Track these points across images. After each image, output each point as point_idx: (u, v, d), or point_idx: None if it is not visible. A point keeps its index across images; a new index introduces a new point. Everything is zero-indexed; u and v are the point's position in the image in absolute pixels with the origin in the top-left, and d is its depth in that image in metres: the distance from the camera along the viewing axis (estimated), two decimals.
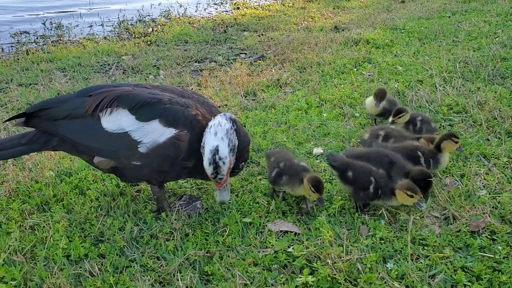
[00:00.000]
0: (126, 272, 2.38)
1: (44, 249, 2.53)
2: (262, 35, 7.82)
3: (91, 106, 2.60)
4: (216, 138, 2.48)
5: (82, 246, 2.54)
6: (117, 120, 2.56)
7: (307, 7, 10.25)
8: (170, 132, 2.55)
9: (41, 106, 2.73)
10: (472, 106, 4.02)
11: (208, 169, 2.49)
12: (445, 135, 3.13)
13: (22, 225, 2.76)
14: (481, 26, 6.61)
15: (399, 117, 3.50)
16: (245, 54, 6.78)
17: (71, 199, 2.99)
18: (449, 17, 7.62)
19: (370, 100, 3.87)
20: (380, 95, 3.79)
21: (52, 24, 8.48)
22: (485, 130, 3.67)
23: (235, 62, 6.16)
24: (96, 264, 2.43)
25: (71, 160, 3.54)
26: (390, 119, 3.55)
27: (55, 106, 2.70)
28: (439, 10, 8.19)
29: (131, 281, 2.31)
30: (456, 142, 3.09)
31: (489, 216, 2.62)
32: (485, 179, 3.03)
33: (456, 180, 3.05)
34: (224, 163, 2.47)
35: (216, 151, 2.46)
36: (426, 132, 3.45)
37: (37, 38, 7.78)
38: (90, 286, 2.29)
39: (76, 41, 7.55)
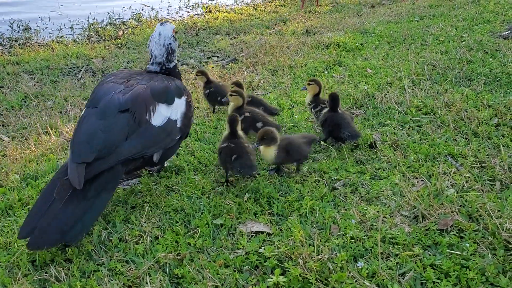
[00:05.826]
0: (93, 276, 2.32)
1: (7, 255, 2.45)
2: (234, 38, 7.82)
3: (141, 115, 2.75)
4: None
5: (48, 251, 2.47)
6: (160, 114, 2.87)
7: (279, 11, 10.31)
8: (183, 99, 3.08)
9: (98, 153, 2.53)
10: (440, 107, 4.09)
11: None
12: None
13: None
14: (448, 30, 6.76)
15: None
16: (217, 57, 6.76)
17: None
18: (418, 21, 7.77)
19: None
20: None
21: (19, 27, 8.29)
22: (452, 130, 3.73)
23: (207, 65, 6.13)
24: (63, 269, 2.36)
25: (37, 164, 3.45)
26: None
27: (111, 145, 2.58)
28: (407, 15, 8.35)
29: (98, 285, 2.25)
30: None
31: (457, 214, 2.66)
32: (453, 178, 3.07)
33: (423, 179, 3.09)
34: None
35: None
36: None
37: (3, 40, 7.59)
38: None
39: (45, 43, 7.39)
